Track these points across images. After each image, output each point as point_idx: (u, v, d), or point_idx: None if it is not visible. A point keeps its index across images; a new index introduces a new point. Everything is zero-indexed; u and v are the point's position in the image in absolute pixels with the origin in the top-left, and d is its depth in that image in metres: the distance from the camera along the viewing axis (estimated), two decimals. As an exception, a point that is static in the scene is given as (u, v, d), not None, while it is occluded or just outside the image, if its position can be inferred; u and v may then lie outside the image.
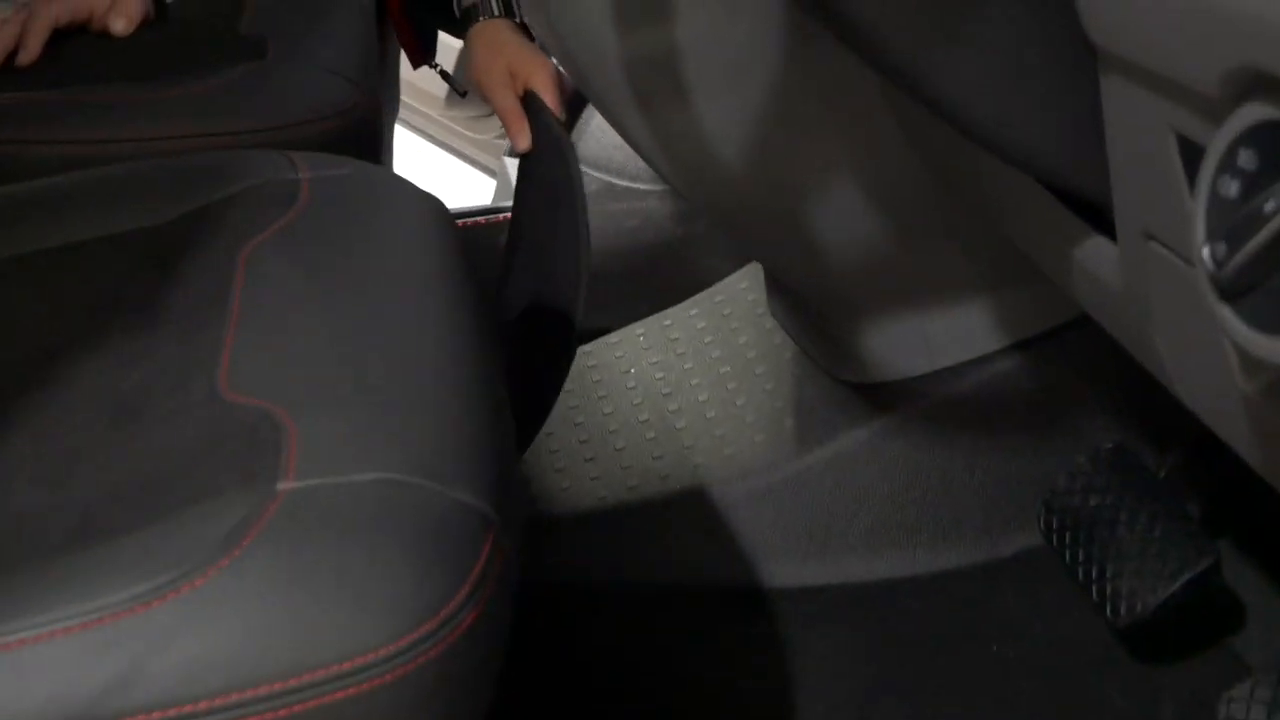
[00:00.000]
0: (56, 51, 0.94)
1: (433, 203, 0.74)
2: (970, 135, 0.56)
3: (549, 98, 0.97)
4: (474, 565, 0.46)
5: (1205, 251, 0.37)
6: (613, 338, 1.22)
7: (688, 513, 1.00)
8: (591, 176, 1.63)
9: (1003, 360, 0.96)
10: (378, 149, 0.99)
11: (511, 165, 1.71)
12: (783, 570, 0.99)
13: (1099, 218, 0.59)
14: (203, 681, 0.41)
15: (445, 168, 2.08)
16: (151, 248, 0.69)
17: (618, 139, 1.62)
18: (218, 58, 0.94)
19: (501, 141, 1.95)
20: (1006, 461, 0.97)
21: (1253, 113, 0.36)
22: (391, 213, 0.70)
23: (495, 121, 1.97)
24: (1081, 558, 0.81)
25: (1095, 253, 0.62)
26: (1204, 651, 0.81)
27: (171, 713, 0.40)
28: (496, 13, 1.02)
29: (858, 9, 0.49)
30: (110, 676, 0.41)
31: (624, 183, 1.59)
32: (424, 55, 1.43)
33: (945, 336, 0.97)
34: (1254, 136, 0.36)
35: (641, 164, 1.57)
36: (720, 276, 1.25)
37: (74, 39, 0.96)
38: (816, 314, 1.05)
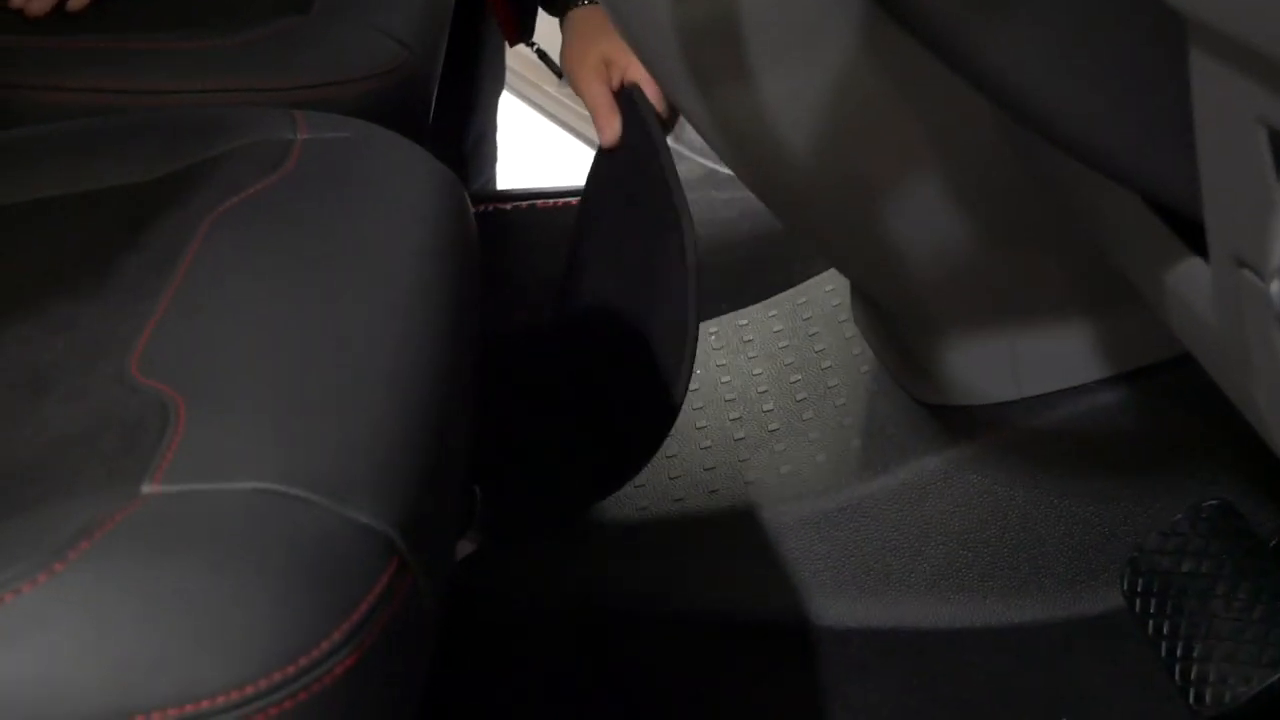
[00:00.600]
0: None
1: (441, 177, 0.67)
2: (1030, 123, 0.46)
3: (649, 90, 0.91)
4: (361, 598, 0.39)
5: (1275, 286, 0.27)
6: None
7: (733, 534, 0.91)
8: (694, 162, 1.55)
9: (1101, 393, 0.85)
10: (423, 115, 0.92)
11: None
12: (832, 608, 0.89)
13: (1198, 233, 0.49)
14: (8, 709, 0.34)
15: (556, 143, 2.02)
16: (126, 208, 0.64)
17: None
18: (259, 10, 0.90)
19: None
20: (1098, 508, 0.85)
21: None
22: (383, 184, 0.63)
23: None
24: (1166, 630, 0.69)
25: (1190, 277, 0.51)
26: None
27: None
28: None
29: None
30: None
31: (727, 170, 1.51)
32: (520, 34, 1.37)
33: (1037, 361, 0.86)
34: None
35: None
36: (813, 270, 1.16)
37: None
38: (896, 325, 0.95)
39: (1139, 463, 0.85)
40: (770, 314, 1.12)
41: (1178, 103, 0.41)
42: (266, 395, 0.44)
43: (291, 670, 0.37)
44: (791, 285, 1.16)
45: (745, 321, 1.12)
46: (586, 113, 2.23)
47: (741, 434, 0.98)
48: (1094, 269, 0.80)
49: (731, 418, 1.00)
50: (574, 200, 1.50)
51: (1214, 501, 0.73)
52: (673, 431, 1.00)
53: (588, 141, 2.05)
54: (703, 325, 1.13)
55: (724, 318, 1.13)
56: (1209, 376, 0.72)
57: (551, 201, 1.45)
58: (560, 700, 0.87)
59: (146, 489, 0.40)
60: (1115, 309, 0.83)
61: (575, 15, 0.99)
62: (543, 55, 1.67)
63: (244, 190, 0.61)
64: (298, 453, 0.42)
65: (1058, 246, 0.81)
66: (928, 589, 0.89)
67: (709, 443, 0.98)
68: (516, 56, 1.59)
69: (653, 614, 0.91)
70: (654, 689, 0.86)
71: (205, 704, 0.35)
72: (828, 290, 1.10)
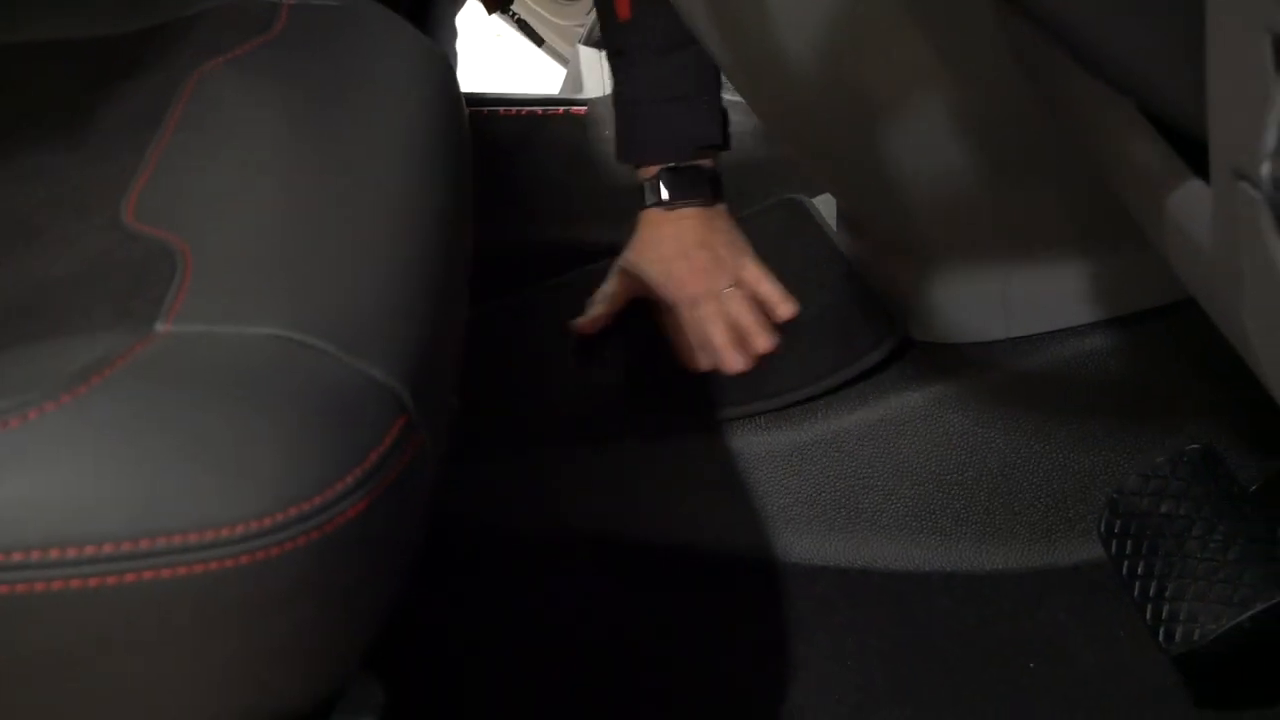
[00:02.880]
0: None
1: (433, 55, 0.72)
2: (1066, 41, 0.52)
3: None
4: (372, 449, 0.45)
5: (1266, 168, 0.33)
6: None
7: (703, 463, 0.98)
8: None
9: (1090, 337, 0.92)
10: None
11: (586, 55, 1.68)
12: (801, 543, 0.96)
13: (1201, 163, 0.55)
14: (21, 530, 0.39)
15: (517, 51, 2.06)
16: (105, 58, 0.68)
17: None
18: None
19: (580, 29, 1.93)
20: (1080, 455, 0.93)
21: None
22: (375, 55, 0.68)
23: (579, 7, 1.95)
24: (1141, 571, 0.77)
25: (1191, 202, 0.57)
26: (1267, 701, 0.77)
27: (-20, 559, 0.39)
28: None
29: None
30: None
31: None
32: (499, 1, 1.42)
33: (1027, 301, 0.93)
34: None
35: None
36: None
37: None
38: (887, 256, 1.01)
39: (1123, 409, 0.92)
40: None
41: (1189, 17, 0.47)
42: (275, 246, 0.49)
43: (306, 508, 0.42)
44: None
45: None
46: (549, 21, 2.26)
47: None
48: (1092, 208, 0.87)
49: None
50: (537, 109, 1.55)
51: (1196, 446, 0.80)
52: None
53: (549, 49, 2.09)
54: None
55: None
56: (1198, 325, 0.79)
57: (515, 110, 1.50)
58: (521, 623, 0.93)
59: (160, 328, 0.45)
60: (1110, 252, 0.90)
61: (652, 216, 1.05)
62: (522, 24, 1.71)
63: (230, 50, 0.65)
64: (312, 303, 0.47)
65: (1057, 181, 0.87)
66: (899, 530, 0.96)
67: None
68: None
69: (620, 540, 0.97)
70: (618, 615, 0.93)
71: (225, 531, 0.41)
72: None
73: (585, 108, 1.52)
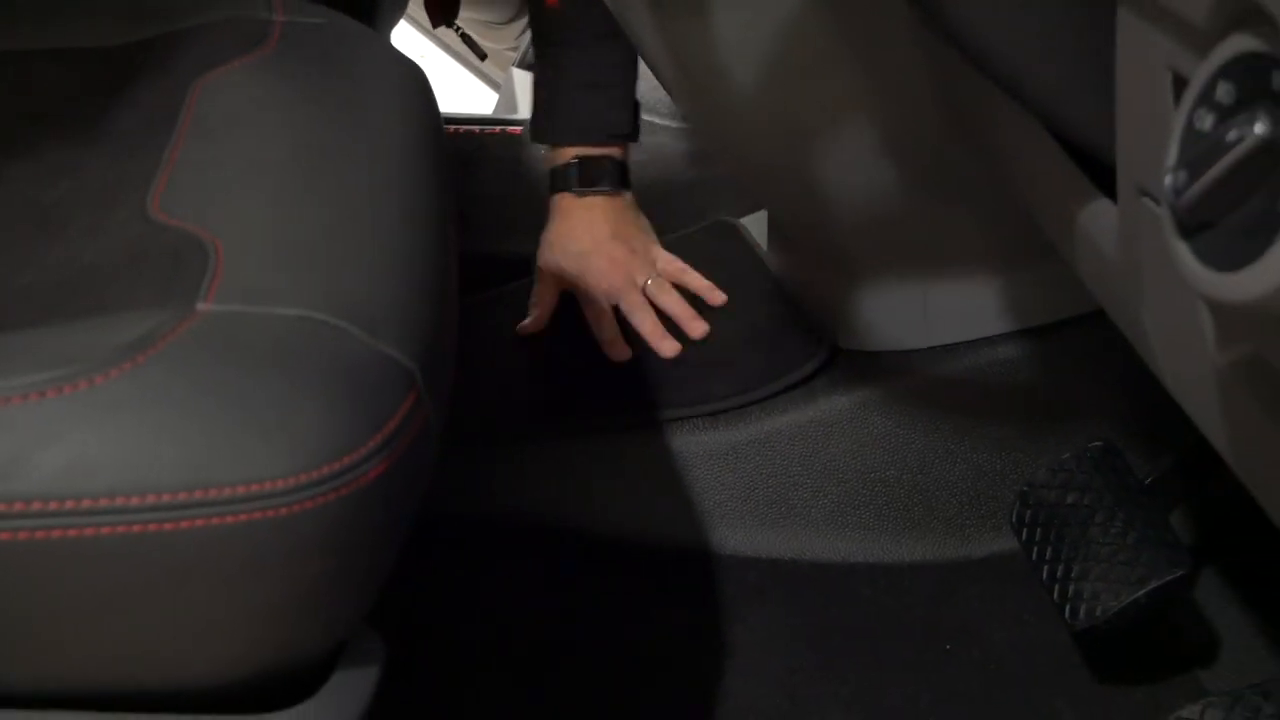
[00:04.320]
0: None
1: (413, 70, 0.77)
2: (990, 72, 0.59)
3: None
4: (389, 419, 0.50)
5: (1168, 180, 0.41)
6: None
7: (645, 461, 1.04)
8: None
9: (1003, 346, 1.00)
10: (372, 13, 1.02)
11: (520, 78, 1.74)
12: (735, 536, 1.02)
13: (1108, 182, 0.63)
14: (89, 480, 0.44)
15: (448, 72, 2.11)
16: (101, 67, 0.72)
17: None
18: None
19: (512, 53, 1.98)
20: (991, 455, 1.00)
21: (1236, 44, 0.39)
22: (364, 69, 0.74)
23: (512, 30, 2.01)
24: (1049, 555, 0.85)
25: (1098, 217, 0.65)
26: (1162, 672, 0.85)
27: (53, 506, 0.44)
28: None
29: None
30: (-9, 463, 0.44)
31: (641, 115, 1.62)
32: (445, 16, 1.47)
33: (946, 312, 1.01)
34: (1233, 69, 0.40)
35: (658, 95, 1.61)
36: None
37: None
38: (815, 270, 1.08)
39: (1032, 413, 1.00)
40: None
41: (1100, 55, 0.55)
42: (296, 236, 0.55)
43: (336, 466, 0.47)
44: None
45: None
46: (484, 44, 2.30)
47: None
48: (1007, 227, 0.95)
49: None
50: (475, 128, 1.60)
51: (1098, 443, 0.88)
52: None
53: (477, 71, 2.14)
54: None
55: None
56: (1099, 337, 0.87)
57: (455, 128, 1.55)
58: (465, 608, 0.98)
59: (201, 306, 0.50)
60: (1022, 268, 0.98)
61: (563, 203, 1.10)
62: (466, 39, 1.76)
63: (229, 61, 0.70)
64: (335, 289, 0.52)
65: (974, 201, 0.95)
66: (826, 524, 1.03)
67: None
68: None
69: (562, 531, 1.02)
70: (557, 600, 0.98)
71: (268, 485, 0.46)
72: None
73: (521, 128, 1.58)
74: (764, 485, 1.02)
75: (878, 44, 0.88)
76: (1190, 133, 0.41)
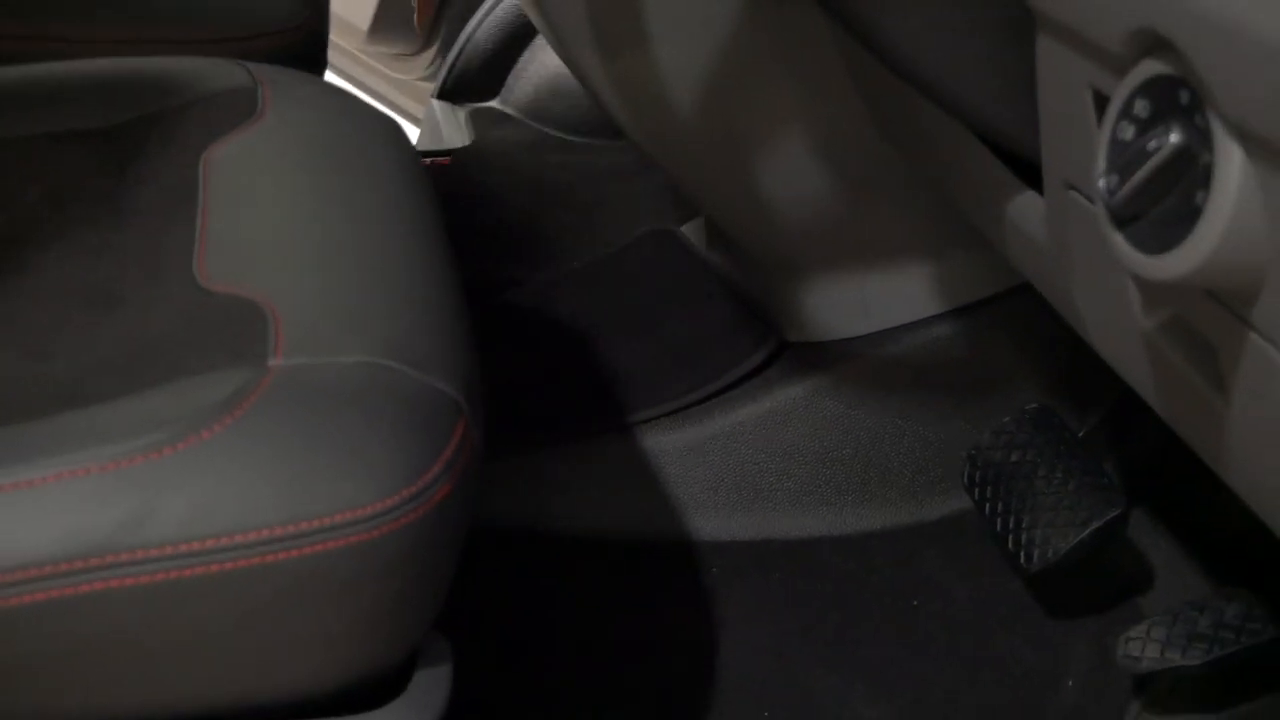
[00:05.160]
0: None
1: (389, 123, 0.84)
2: (918, 85, 0.68)
3: None
4: (446, 444, 0.57)
5: (1102, 183, 0.49)
6: (539, 286, 1.32)
7: (621, 461, 1.11)
8: (525, 125, 1.73)
9: (938, 325, 1.09)
10: (322, 68, 1.08)
11: (441, 109, 1.80)
12: (710, 524, 1.10)
13: (1032, 176, 0.72)
14: (208, 522, 0.51)
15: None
16: (105, 147, 0.78)
17: (553, 85, 1.73)
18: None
19: (426, 84, 2.04)
20: (936, 425, 1.10)
21: (1148, 68, 0.48)
22: (351, 126, 0.80)
23: (421, 61, 2.06)
24: (1000, 509, 0.94)
25: (1026, 208, 0.74)
26: (1110, 608, 0.94)
27: (181, 549, 0.50)
28: None
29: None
30: (123, 515, 0.50)
31: (558, 134, 1.70)
32: None
33: (883, 299, 1.10)
34: (1148, 89, 0.48)
35: (577, 114, 1.68)
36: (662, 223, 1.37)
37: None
38: (757, 270, 1.17)
39: (970, 385, 1.10)
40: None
41: (1021, 69, 0.63)
42: (337, 289, 0.61)
43: (410, 491, 0.54)
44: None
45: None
46: (390, 77, 2.35)
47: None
48: (933, 219, 1.05)
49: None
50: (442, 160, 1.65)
51: (1034, 405, 0.98)
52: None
53: (391, 105, 2.19)
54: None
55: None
56: (1027, 307, 0.97)
57: (425, 161, 1.61)
58: (453, 614, 1.04)
59: (273, 363, 0.56)
60: (950, 253, 1.08)
61: None
62: None
63: (228, 134, 0.76)
64: (383, 333, 0.59)
65: (904, 199, 1.04)
66: (792, 504, 1.11)
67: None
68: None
69: (547, 534, 1.10)
70: (551, 605, 1.05)
71: (357, 512, 0.53)
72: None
73: (449, 158, 1.64)
74: (731, 475, 1.10)
75: (807, 60, 0.96)
76: (1115, 142, 0.50)
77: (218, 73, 0.83)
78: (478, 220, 1.48)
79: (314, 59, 1.05)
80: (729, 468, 1.10)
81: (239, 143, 0.75)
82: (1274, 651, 0.78)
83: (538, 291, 1.31)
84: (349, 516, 0.53)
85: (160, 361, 0.58)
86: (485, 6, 1.78)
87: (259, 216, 0.68)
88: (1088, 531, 0.87)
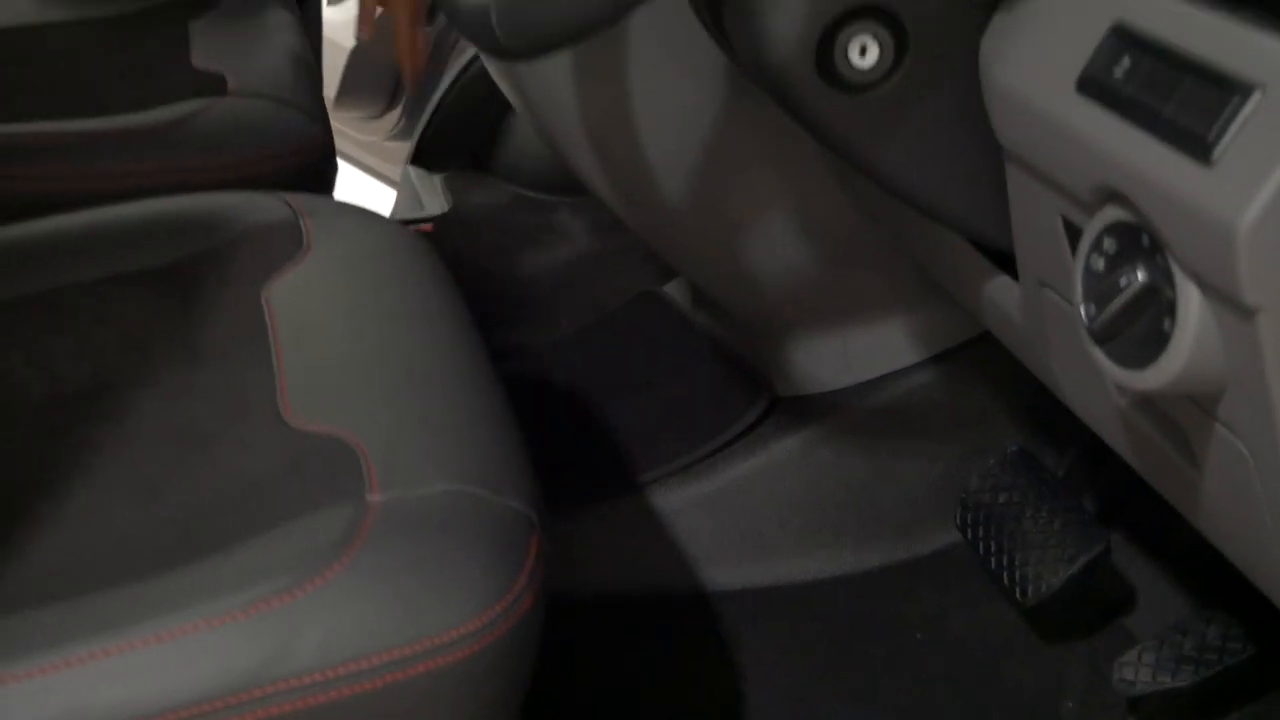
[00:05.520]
0: (19, 83, 1.09)
1: (413, 238, 0.93)
2: (903, 199, 0.78)
3: None
4: (526, 558, 0.66)
5: (1082, 310, 0.59)
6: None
7: (626, 521, 1.20)
8: (500, 187, 1.82)
9: (918, 373, 1.19)
10: (332, 178, 1.16)
11: (417, 175, 1.88)
12: (719, 574, 1.20)
13: (1006, 260, 0.82)
14: (342, 650, 0.59)
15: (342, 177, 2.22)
16: (168, 286, 0.86)
17: (522, 146, 1.82)
18: (177, 91, 1.11)
19: (395, 144, 2.11)
20: (923, 467, 1.19)
21: (1112, 213, 0.58)
22: (385, 248, 0.89)
23: (385, 123, 2.13)
24: (994, 549, 1.04)
25: (1001, 290, 0.84)
26: (1100, 630, 1.05)
27: (317, 677, 0.59)
28: None
29: (814, 112, 0.70)
30: (266, 652, 0.59)
31: (535, 194, 1.78)
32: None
33: (864, 352, 1.19)
34: (1113, 230, 0.58)
35: (552, 175, 1.77)
36: (634, 289, 1.46)
37: (33, 71, 1.11)
38: (743, 330, 1.26)
39: (951, 427, 1.20)
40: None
41: (1001, 184, 0.73)
42: (413, 420, 0.70)
43: (501, 606, 0.63)
44: (620, 296, 1.46)
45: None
46: (357, 139, 2.41)
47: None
48: (907, 277, 1.15)
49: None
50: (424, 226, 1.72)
51: (1014, 449, 1.08)
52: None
53: (365, 169, 2.25)
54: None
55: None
56: (999, 353, 1.07)
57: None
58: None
59: (371, 498, 0.65)
60: (921, 305, 1.17)
61: None
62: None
63: (282, 269, 0.85)
64: (461, 459, 0.68)
65: (878, 261, 1.14)
66: (795, 549, 1.21)
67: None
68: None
69: (563, 594, 1.17)
70: (561, 662, 1.13)
71: (464, 629, 0.61)
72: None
73: (431, 224, 1.72)
74: (735, 526, 1.19)
75: (787, 147, 1.06)
76: (1089, 272, 0.60)
77: (259, 206, 0.91)
78: (466, 288, 1.56)
79: (325, 172, 1.13)
80: (733, 520, 1.20)
81: (294, 276, 0.84)
82: (1252, 667, 0.88)
83: (537, 358, 1.39)
84: (456, 634, 0.62)
85: (266, 502, 0.67)
86: (452, 73, 1.86)
87: (328, 351, 0.77)
88: (1076, 567, 0.97)
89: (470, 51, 1.83)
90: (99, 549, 0.66)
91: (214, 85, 1.11)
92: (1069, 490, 1.05)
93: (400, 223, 0.94)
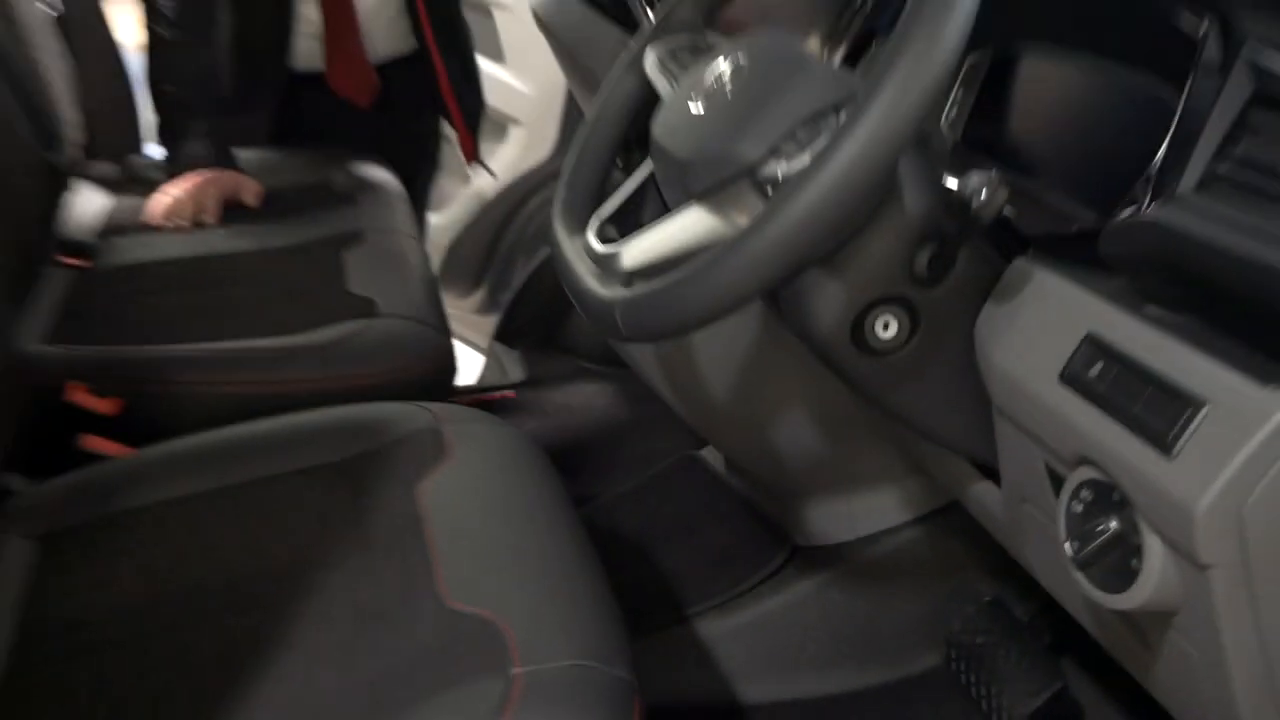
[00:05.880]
0: (222, 307, 1.15)
1: (523, 438, 0.97)
2: (911, 429, 0.82)
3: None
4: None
5: (1066, 546, 0.63)
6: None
7: (676, 648, 1.23)
8: (564, 360, 1.87)
9: (907, 531, 1.22)
10: (454, 377, 1.21)
11: (501, 350, 1.93)
12: (753, 690, 1.22)
13: (989, 469, 0.86)
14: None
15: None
16: (340, 480, 0.90)
17: (587, 328, 1.87)
18: (337, 313, 1.16)
19: (478, 317, 2.16)
20: (913, 605, 1.22)
21: (1088, 472, 0.63)
22: (508, 450, 0.93)
23: (472, 300, 2.19)
24: (974, 680, 1.07)
25: (985, 491, 0.88)
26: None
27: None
28: None
29: (847, 370, 0.75)
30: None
31: (592, 366, 1.84)
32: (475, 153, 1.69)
33: (866, 513, 1.23)
34: (1089, 484, 0.63)
35: (606, 350, 1.82)
36: (673, 449, 1.50)
37: (228, 294, 1.17)
38: (768, 491, 1.30)
39: (936, 574, 1.22)
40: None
41: (990, 426, 0.78)
42: (543, 601, 0.74)
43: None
44: (667, 452, 1.50)
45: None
46: (452, 312, 2.46)
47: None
48: (898, 454, 1.19)
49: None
50: (479, 395, 1.78)
51: (988, 599, 1.12)
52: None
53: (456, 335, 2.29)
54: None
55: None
56: (971, 519, 1.10)
57: (462, 398, 1.74)
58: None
59: (514, 671, 0.69)
60: (909, 479, 1.21)
61: None
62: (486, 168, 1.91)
63: (431, 470, 0.89)
64: (584, 636, 0.72)
65: (876, 444, 1.18)
66: (810, 670, 1.23)
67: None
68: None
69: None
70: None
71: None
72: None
73: (514, 391, 1.77)
74: (764, 651, 1.22)
75: (808, 364, 1.10)
76: (1070, 515, 0.64)
77: (409, 415, 0.96)
78: (542, 445, 1.60)
79: (451, 374, 1.18)
80: (762, 646, 1.22)
81: (441, 476, 0.88)
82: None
83: (601, 508, 1.43)
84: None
85: (432, 672, 0.71)
86: (529, 269, 1.93)
87: (473, 541, 0.81)
88: (1040, 700, 1.00)
89: (544, 253, 1.90)
90: (303, 709, 0.69)
91: (366, 308, 1.17)
92: (1034, 634, 1.08)
93: (515, 430, 0.98)
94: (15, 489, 0.93)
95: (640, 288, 0.65)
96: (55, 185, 1.32)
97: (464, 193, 2.11)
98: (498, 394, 1.75)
